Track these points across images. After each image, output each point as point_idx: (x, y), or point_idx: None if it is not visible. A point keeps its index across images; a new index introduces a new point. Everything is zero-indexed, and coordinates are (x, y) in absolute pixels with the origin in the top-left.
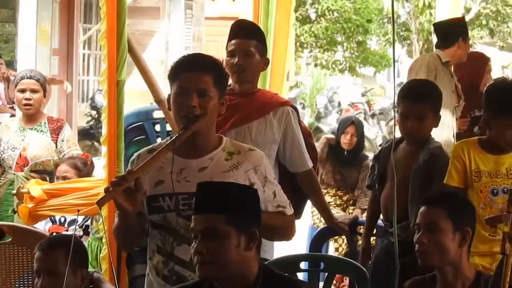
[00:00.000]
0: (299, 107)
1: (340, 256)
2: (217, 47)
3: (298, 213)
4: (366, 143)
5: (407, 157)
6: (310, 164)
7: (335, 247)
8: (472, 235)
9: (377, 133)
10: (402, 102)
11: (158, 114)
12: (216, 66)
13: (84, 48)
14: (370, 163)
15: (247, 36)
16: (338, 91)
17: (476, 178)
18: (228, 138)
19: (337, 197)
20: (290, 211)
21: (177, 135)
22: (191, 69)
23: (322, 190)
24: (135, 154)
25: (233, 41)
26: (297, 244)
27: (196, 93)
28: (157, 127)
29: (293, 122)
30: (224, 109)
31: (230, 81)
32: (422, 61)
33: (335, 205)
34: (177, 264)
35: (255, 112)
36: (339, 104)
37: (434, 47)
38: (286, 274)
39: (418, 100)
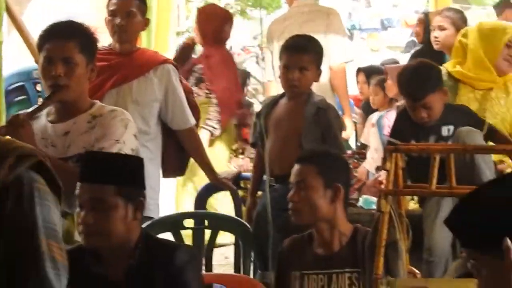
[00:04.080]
0: None
1: (224, 213)
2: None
3: (182, 170)
4: (259, 87)
5: (290, 112)
6: (192, 121)
7: None
8: (346, 191)
9: (270, 78)
10: (285, 54)
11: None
12: (82, 32)
13: None
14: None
15: None
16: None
17: None
18: (100, 103)
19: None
20: None
21: (37, 106)
22: (55, 37)
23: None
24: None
25: (114, 1)
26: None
27: (61, 61)
28: (39, 87)
29: (174, 80)
30: (94, 75)
31: (110, 41)
32: None
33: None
34: None
35: (136, 71)
36: (231, 48)
37: None
38: (170, 232)
39: (300, 51)
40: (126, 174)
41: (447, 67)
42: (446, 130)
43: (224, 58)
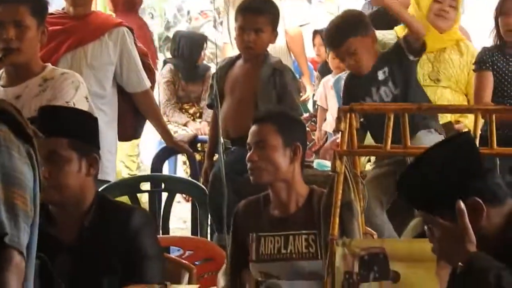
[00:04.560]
0: (148, 17)
1: (181, 176)
2: None
3: (137, 133)
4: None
5: (245, 74)
6: (148, 84)
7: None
8: (303, 151)
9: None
10: (240, 15)
11: None
12: None
13: None
14: None
15: None
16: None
17: None
18: (52, 67)
19: (184, 110)
20: None
21: None
22: (6, 1)
23: (172, 106)
24: None
25: None
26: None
27: (12, 25)
28: None
29: (129, 43)
30: (45, 38)
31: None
32: None
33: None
34: None
35: (90, 34)
36: (188, 12)
37: None
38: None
39: (255, 13)
40: (80, 128)
41: (397, 30)
42: (381, 74)
43: (138, 26)
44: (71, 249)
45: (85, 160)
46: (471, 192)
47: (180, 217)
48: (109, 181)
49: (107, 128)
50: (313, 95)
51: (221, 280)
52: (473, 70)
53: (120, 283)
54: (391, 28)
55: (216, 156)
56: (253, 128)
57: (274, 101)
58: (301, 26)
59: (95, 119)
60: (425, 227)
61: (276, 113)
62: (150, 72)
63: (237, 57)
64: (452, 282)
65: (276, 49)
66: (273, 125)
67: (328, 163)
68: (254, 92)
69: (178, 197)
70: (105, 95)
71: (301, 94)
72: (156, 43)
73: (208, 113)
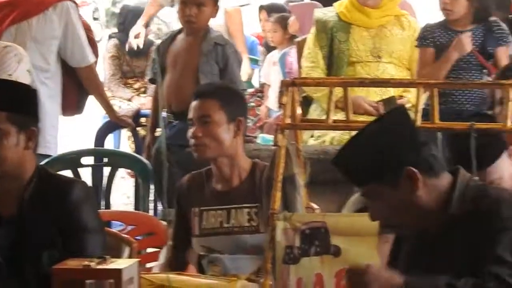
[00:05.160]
0: None
1: (123, 150)
2: None
3: (80, 108)
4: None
5: (187, 48)
6: (92, 59)
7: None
8: (245, 125)
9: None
10: None
11: None
12: None
13: None
14: None
15: None
16: None
17: None
18: None
19: (128, 85)
20: None
21: None
22: None
23: (116, 81)
24: None
25: None
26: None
27: None
28: None
29: (74, 17)
30: None
31: None
32: None
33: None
34: None
35: (35, 7)
36: None
37: None
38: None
39: None
40: (18, 101)
41: (336, 6)
42: None
43: None
44: (10, 222)
45: (23, 133)
46: (406, 163)
47: (124, 192)
48: (50, 156)
49: (50, 102)
50: (259, 70)
51: (162, 255)
52: (416, 46)
53: (60, 257)
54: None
55: (159, 131)
56: (195, 103)
57: (216, 75)
58: (241, 6)
59: (35, 92)
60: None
61: (219, 88)
62: (94, 47)
63: (179, 31)
64: (392, 255)
65: (215, 27)
66: (215, 100)
67: (271, 138)
68: (196, 66)
69: (123, 172)
70: (49, 69)
71: None
72: (103, 18)
73: (153, 88)
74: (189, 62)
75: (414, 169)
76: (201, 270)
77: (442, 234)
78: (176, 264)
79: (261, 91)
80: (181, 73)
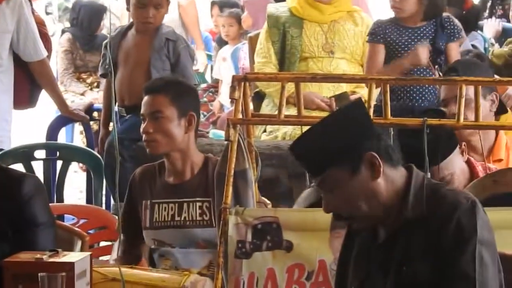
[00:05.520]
0: None
1: (75, 145)
2: None
3: (33, 102)
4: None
5: (138, 44)
6: (44, 53)
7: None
8: (197, 120)
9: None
10: None
11: None
12: None
13: None
14: None
15: None
16: None
17: None
18: None
19: (81, 80)
20: None
21: None
22: None
23: (69, 75)
24: None
25: None
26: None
27: None
28: None
29: (27, 12)
30: None
31: None
32: None
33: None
34: None
35: None
36: None
37: None
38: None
39: None
40: None
41: (288, 2)
42: None
43: None
44: None
45: None
46: (366, 149)
47: (77, 186)
48: (2, 149)
49: (3, 96)
50: (211, 66)
51: (114, 249)
52: (366, 41)
53: (11, 250)
54: None
55: (111, 125)
56: (146, 98)
57: (168, 70)
58: None
59: None
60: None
61: (169, 83)
62: (46, 41)
63: (129, 27)
64: (344, 250)
65: (170, 21)
66: (166, 95)
67: (224, 133)
68: (148, 61)
69: (75, 167)
70: (1, 63)
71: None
72: (56, 13)
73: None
74: (141, 57)
75: (375, 154)
76: (153, 264)
77: (396, 235)
78: (128, 257)
79: (213, 86)
80: (133, 68)
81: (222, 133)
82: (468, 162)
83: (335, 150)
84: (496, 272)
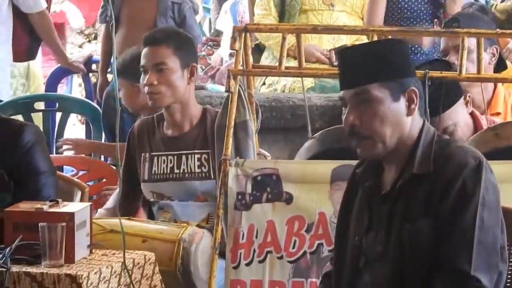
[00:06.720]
0: None
1: (74, 96)
2: None
3: (32, 54)
4: None
5: (145, 5)
6: (44, 4)
7: None
8: (197, 72)
9: None
10: None
11: None
12: None
13: None
14: None
15: None
16: None
17: None
18: None
19: (80, 32)
20: None
21: None
22: None
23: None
24: None
25: None
26: None
27: None
28: None
29: None
30: None
31: None
32: None
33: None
34: None
35: None
36: None
37: None
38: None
39: None
40: None
41: None
42: None
43: None
44: None
45: None
46: (410, 84)
47: None
48: (1, 101)
49: (1, 48)
50: (210, 19)
51: (111, 200)
52: None
53: (13, 200)
54: None
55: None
56: (147, 49)
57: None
58: None
59: None
60: (345, 109)
61: (171, 33)
62: None
63: None
64: (345, 202)
65: None
66: (168, 46)
67: (221, 88)
68: (153, 24)
69: (74, 119)
70: (0, 14)
71: None
72: None
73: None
74: (146, 19)
75: (418, 93)
76: (152, 217)
77: (401, 189)
78: (126, 209)
79: (212, 40)
80: (137, 29)
81: (220, 87)
82: (472, 114)
83: (388, 65)
84: (498, 234)
